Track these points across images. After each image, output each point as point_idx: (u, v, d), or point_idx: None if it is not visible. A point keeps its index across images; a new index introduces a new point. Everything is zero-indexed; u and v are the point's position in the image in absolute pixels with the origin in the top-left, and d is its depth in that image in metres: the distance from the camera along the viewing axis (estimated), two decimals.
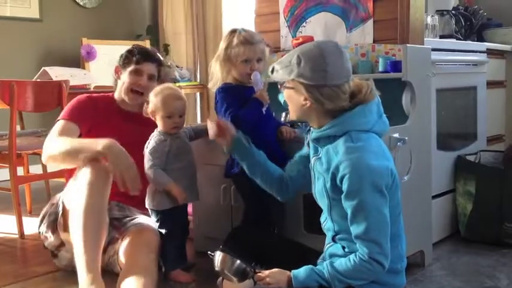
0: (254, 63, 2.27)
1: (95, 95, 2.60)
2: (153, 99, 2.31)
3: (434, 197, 2.70)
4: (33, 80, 3.95)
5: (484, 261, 2.58)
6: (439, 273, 2.43)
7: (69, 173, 2.52)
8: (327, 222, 1.81)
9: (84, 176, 2.15)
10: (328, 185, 1.70)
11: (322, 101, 1.69)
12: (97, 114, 2.50)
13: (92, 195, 2.10)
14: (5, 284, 2.42)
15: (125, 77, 2.50)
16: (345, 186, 1.63)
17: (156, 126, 2.45)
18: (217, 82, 2.34)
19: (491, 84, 3.47)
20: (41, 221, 2.44)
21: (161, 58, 2.64)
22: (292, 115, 1.81)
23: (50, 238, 2.39)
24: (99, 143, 2.19)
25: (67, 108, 2.52)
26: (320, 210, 2.04)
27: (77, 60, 5.14)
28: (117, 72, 2.56)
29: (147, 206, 2.36)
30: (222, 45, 2.32)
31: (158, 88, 2.34)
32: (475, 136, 3.24)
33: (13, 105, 3.11)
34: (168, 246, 2.32)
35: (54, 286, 2.37)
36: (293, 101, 1.77)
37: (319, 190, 1.78)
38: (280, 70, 1.76)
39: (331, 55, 1.69)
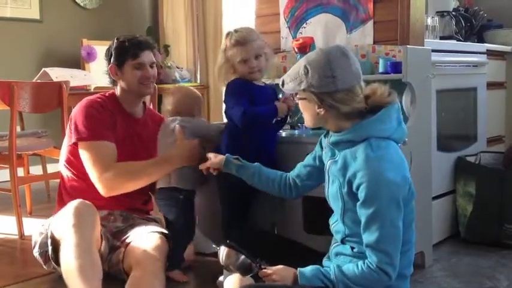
0: (252, 61, 2.32)
1: (99, 99, 2.41)
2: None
3: (434, 198, 2.70)
4: (34, 80, 3.95)
5: (484, 262, 2.58)
6: (439, 274, 2.43)
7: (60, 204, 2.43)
8: (337, 224, 1.81)
9: (69, 219, 2.06)
10: (344, 190, 1.71)
11: (337, 106, 1.69)
12: (111, 120, 2.38)
13: (79, 237, 2.01)
14: (5, 285, 2.41)
15: (129, 75, 2.37)
16: (361, 195, 1.64)
17: (156, 127, 2.47)
18: (225, 80, 2.40)
19: (491, 85, 3.47)
20: (33, 248, 2.37)
21: (149, 39, 2.48)
22: (309, 124, 1.80)
23: (43, 267, 2.35)
24: (167, 168, 2.31)
25: (87, 124, 2.31)
26: (319, 212, 2.05)
27: (77, 61, 5.14)
28: (114, 72, 2.40)
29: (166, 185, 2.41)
30: (221, 47, 2.39)
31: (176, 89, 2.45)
32: (475, 137, 3.24)
33: (13, 106, 3.10)
34: (176, 245, 2.31)
35: (53, 287, 2.37)
36: (308, 110, 1.77)
37: (333, 193, 1.78)
38: (290, 83, 1.76)
39: (337, 60, 1.69)
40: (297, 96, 1.78)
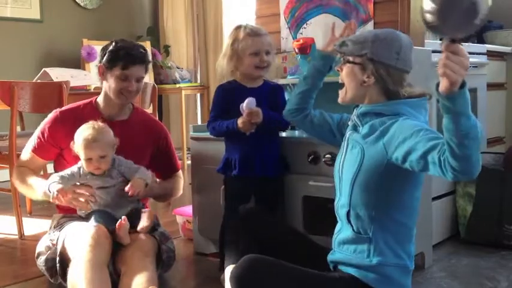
0: (263, 56, 2.26)
1: (75, 106, 2.48)
2: (75, 140, 2.26)
3: (434, 198, 2.70)
4: (34, 80, 3.95)
5: (484, 263, 2.58)
6: (438, 275, 2.43)
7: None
8: (341, 199, 1.80)
9: (86, 240, 2.06)
10: (366, 152, 1.71)
11: (386, 80, 1.75)
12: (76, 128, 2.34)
13: (93, 255, 2.01)
14: (5, 285, 2.42)
15: (112, 81, 2.34)
16: (399, 140, 1.62)
17: (143, 133, 2.44)
18: (223, 79, 2.35)
19: (491, 86, 3.47)
20: (36, 258, 2.34)
21: (146, 53, 2.40)
22: (349, 93, 1.81)
23: (49, 279, 2.31)
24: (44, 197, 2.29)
25: (38, 134, 2.46)
26: (319, 212, 2.04)
27: (78, 61, 5.14)
28: (102, 72, 2.38)
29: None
30: (228, 41, 2.31)
31: (81, 128, 2.26)
32: None
33: (13, 106, 3.11)
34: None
35: (53, 287, 2.37)
36: (353, 77, 1.79)
37: (351, 158, 1.77)
38: (352, 45, 1.79)
39: (405, 43, 1.77)
40: (349, 60, 1.79)
